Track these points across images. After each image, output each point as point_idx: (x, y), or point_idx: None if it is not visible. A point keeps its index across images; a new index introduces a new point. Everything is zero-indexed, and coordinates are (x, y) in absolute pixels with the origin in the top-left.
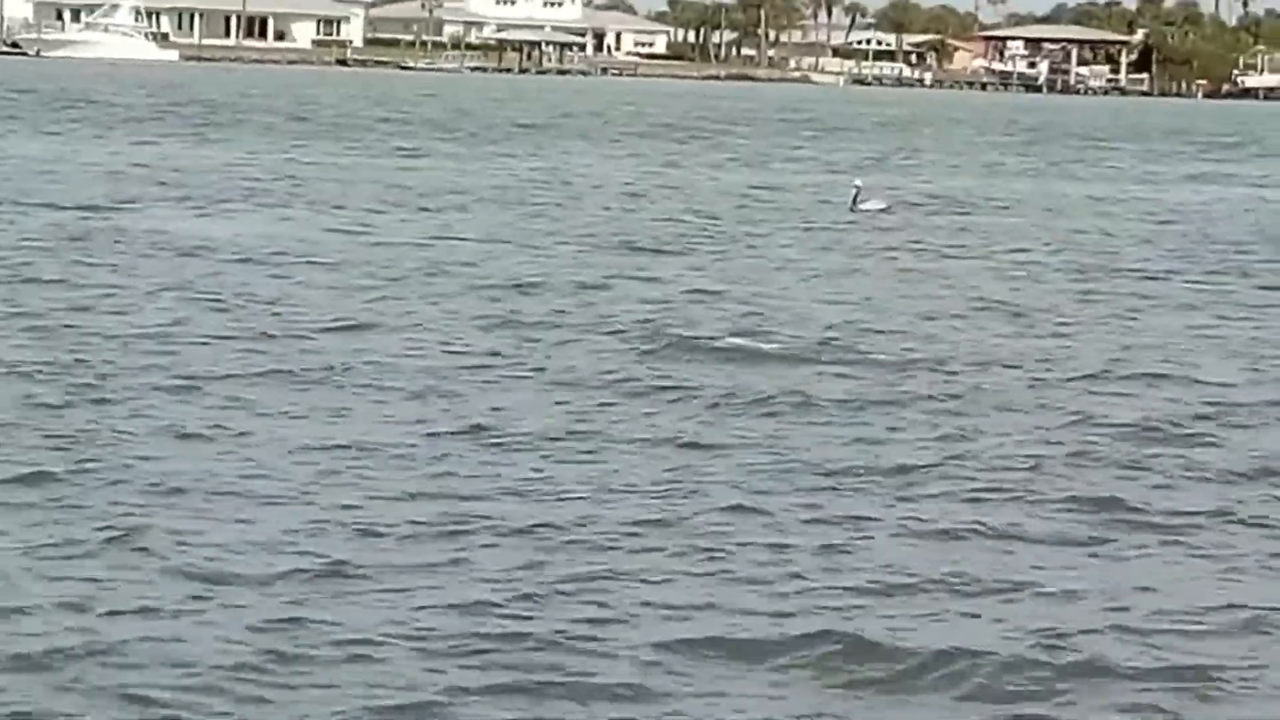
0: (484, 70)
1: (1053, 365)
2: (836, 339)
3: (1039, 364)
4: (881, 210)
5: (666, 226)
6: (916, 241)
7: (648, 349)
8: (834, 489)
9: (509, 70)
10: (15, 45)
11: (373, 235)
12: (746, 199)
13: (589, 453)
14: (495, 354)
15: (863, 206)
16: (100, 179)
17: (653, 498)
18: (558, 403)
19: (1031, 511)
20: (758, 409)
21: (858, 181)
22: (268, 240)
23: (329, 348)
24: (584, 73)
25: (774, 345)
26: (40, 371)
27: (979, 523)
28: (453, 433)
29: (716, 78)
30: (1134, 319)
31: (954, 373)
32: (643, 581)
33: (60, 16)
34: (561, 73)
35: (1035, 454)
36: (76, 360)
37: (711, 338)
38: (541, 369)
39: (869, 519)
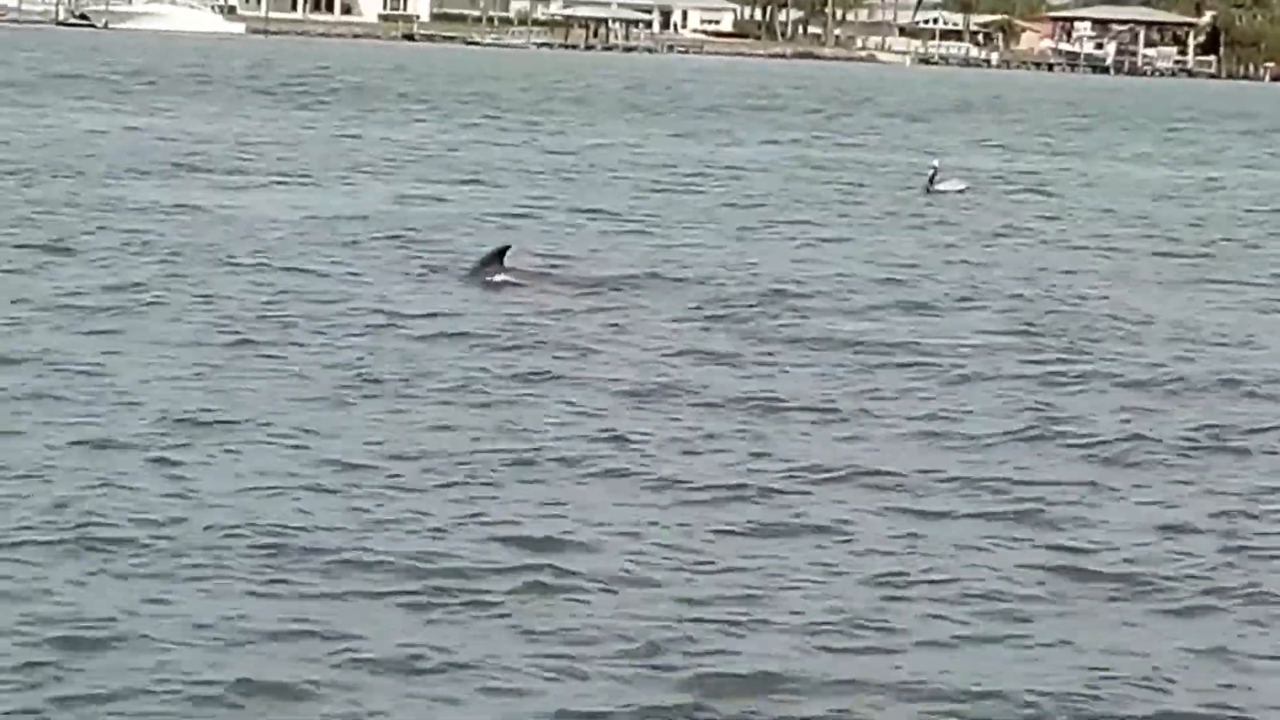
0: (550, 46)
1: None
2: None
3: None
4: (959, 191)
5: None
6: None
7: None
8: None
9: (575, 46)
10: (84, 17)
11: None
12: None
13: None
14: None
15: (939, 187)
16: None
17: None
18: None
19: None
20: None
21: (934, 161)
22: None
23: None
24: (650, 50)
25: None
26: None
27: None
28: None
29: (783, 56)
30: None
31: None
32: None
33: None
34: (628, 49)
35: None
36: None
37: None
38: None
39: None
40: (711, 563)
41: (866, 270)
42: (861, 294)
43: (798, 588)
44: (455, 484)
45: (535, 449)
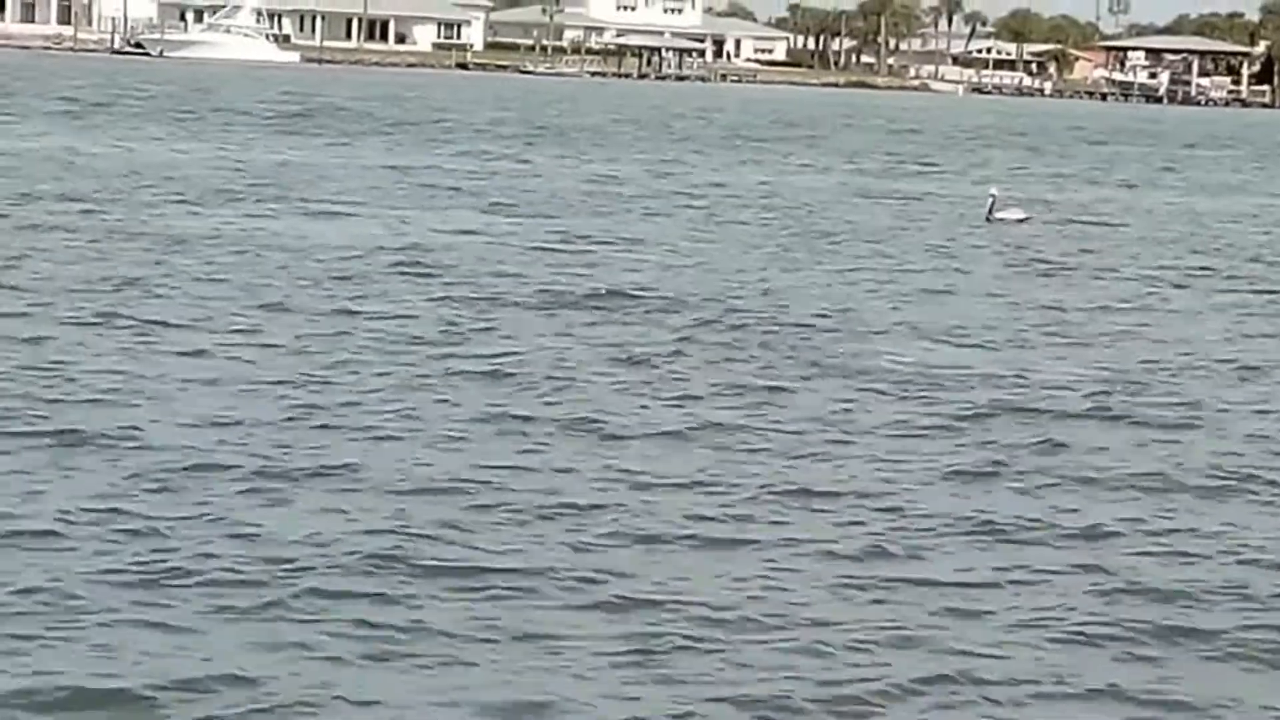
0: (603, 75)
1: None
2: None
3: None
4: (1019, 220)
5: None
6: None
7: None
8: None
9: (628, 75)
10: (139, 45)
11: None
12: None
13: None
14: None
15: (999, 216)
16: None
17: None
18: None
19: None
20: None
21: (993, 190)
22: None
23: None
24: (703, 79)
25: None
26: None
27: None
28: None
29: (836, 85)
30: None
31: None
32: None
33: (183, 17)
34: (680, 78)
35: None
36: None
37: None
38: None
39: None
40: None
41: (928, 300)
42: (922, 324)
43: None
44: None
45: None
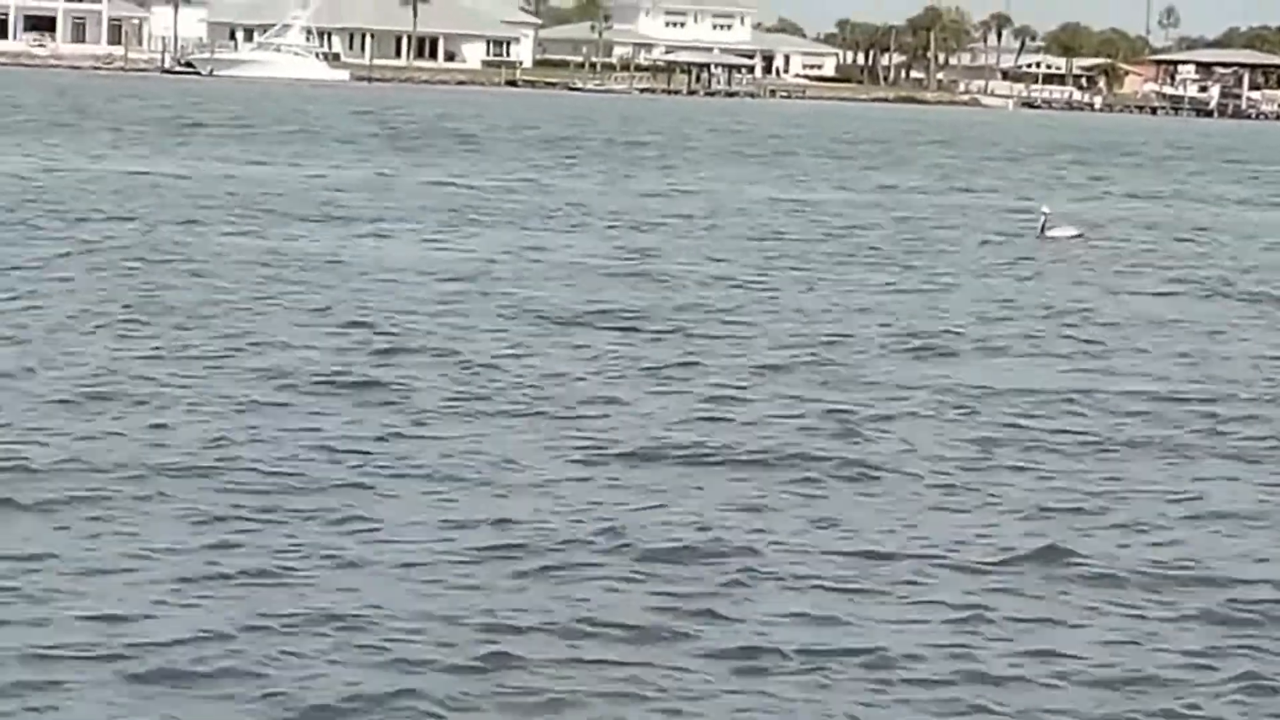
0: (652, 91)
1: None
2: None
3: None
4: (1072, 237)
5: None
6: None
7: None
8: None
9: (678, 92)
10: (189, 65)
11: None
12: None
13: None
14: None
15: (1051, 233)
16: None
17: None
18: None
19: None
20: None
21: (1045, 208)
22: None
23: None
24: (752, 95)
25: None
26: None
27: None
28: None
29: (885, 100)
30: None
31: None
32: None
33: (233, 36)
34: (730, 94)
35: None
36: None
37: None
38: None
39: None
40: None
41: (984, 318)
42: (978, 342)
43: None
44: None
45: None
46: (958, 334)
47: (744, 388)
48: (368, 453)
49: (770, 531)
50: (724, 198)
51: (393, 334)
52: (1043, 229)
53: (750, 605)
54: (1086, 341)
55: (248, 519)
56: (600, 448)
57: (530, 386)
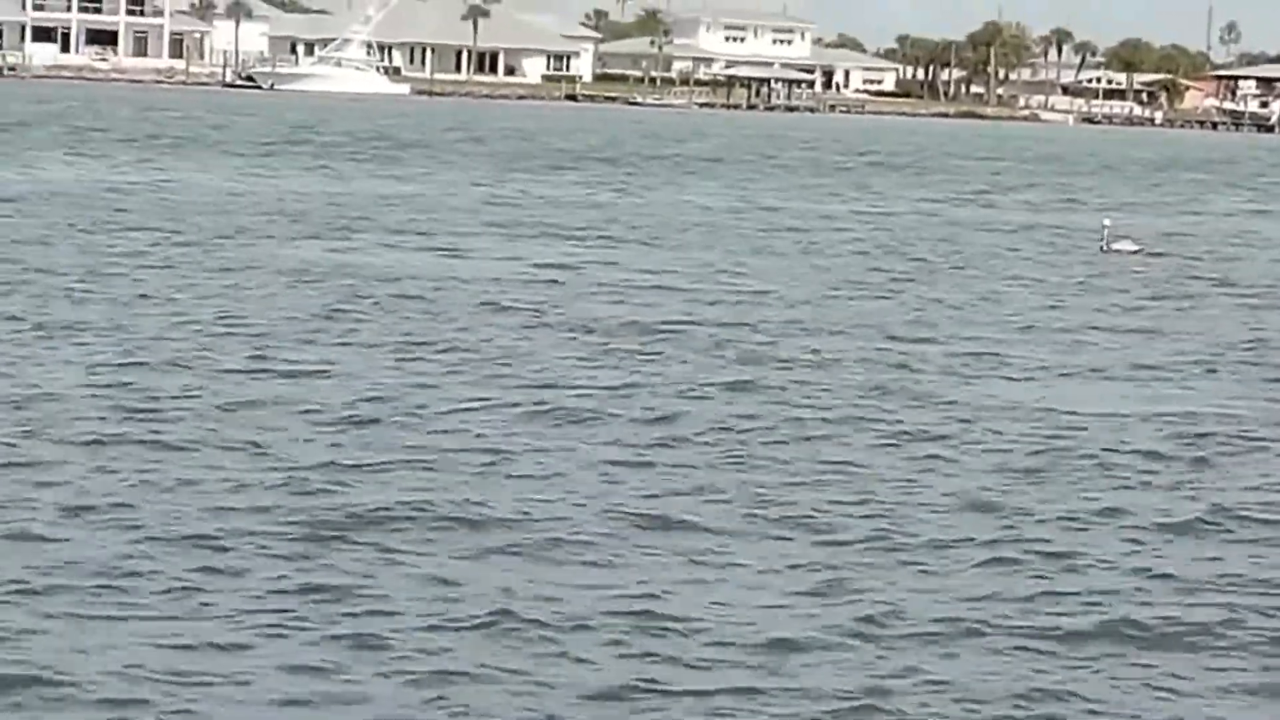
0: (712, 106)
1: None
2: None
3: None
4: (1133, 251)
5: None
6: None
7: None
8: None
9: (737, 106)
10: (250, 79)
11: None
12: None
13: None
14: None
15: (1114, 247)
16: None
17: None
18: None
19: None
20: None
21: (1106, 220)
22: None
23: None
24: (812, 109)
25: None
26: None
27: None
28: None
29: (945, 115)
30: None
31: None
32: None
33: (294, 50)
34: (790, 109)
35: None
36: None
37: None
38: None
39: None
40: None
41: (1047, 335)
42: (1037, 359)
43: None
44: None
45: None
46: (1007, 346)
47: None
48: None
49: None
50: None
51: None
52: (1105, 241)
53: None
54: (1143, 354)
55: None
56: None
57: None
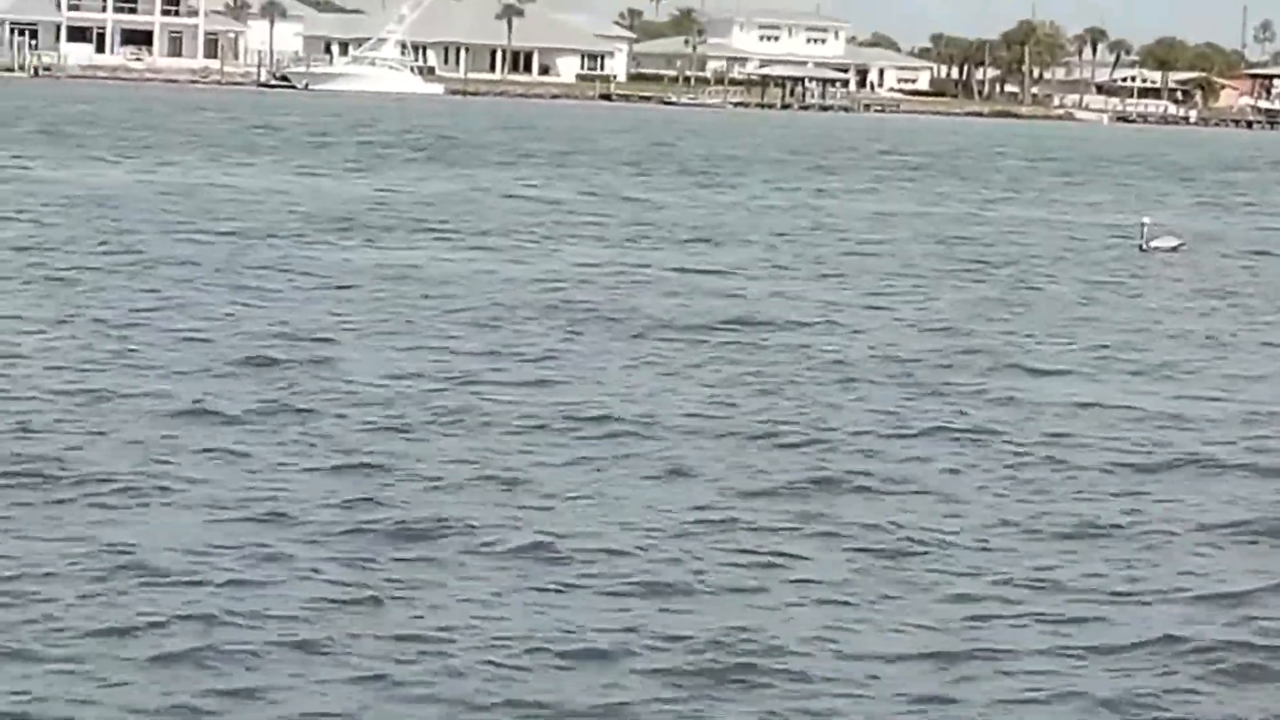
0: (746, 105)
1: None
2: None
3: None
4: (1173, 248)
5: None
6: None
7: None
8: None
9: (771, 106)
10: (285, 79)
11: None
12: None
13: None
14: None
15: (1153, 244)
16: None
17: None
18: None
19: None
20: None
21: (1145, 219)
22: None
23: None
24: (846, 109)
25: None
26: None
27: None
28: None
29: (980, 114)
30: None
31: None
32: None
33: (328, 50)
34: (824, 109)
35: None
36: None
37: None
38: None
39: None
40: None
41: (1085, 332)
42: (1076, 357)
43: None
44: None
45: None
46: (1046, 344)
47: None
48: None
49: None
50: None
51: None
52: (1144, 239)
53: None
54: (1182, 353)
55: None
56: None
57: None
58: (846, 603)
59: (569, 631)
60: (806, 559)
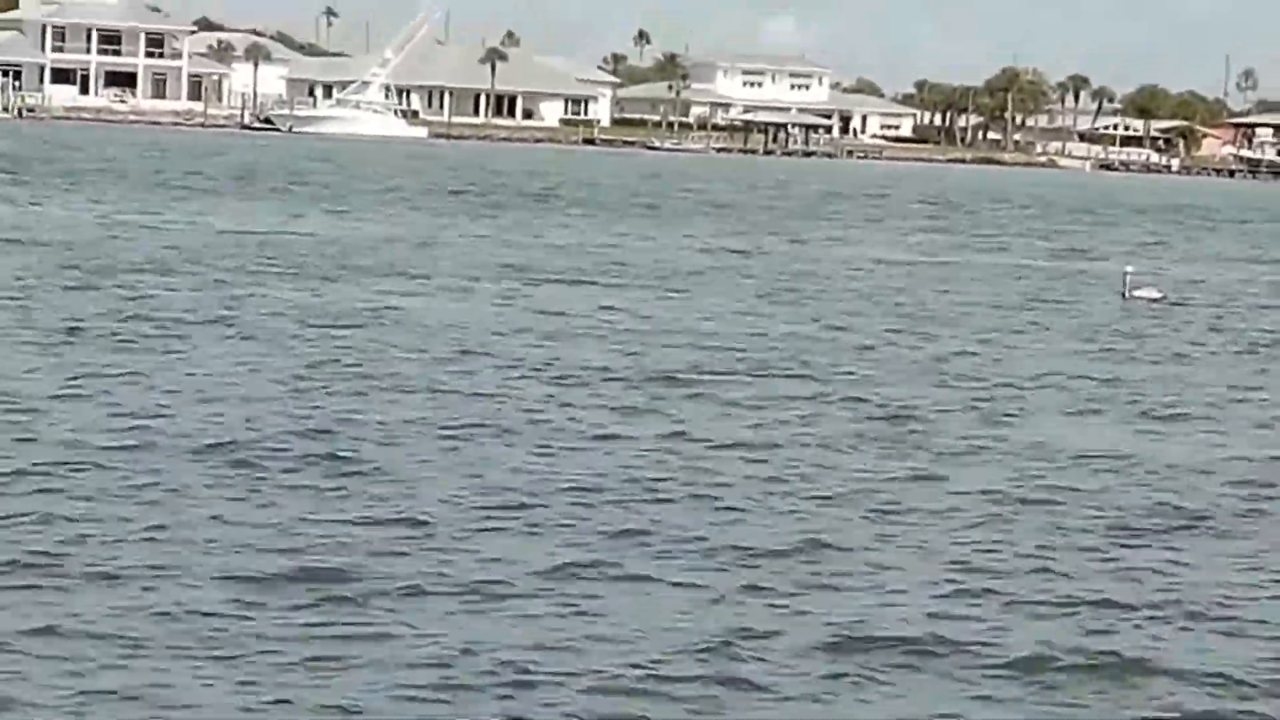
0: (729, 151)
1: None
2: None
3: None
4: (1155, 299)
5: None
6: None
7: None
8: None
9: (754, 151)
10: (268, 121)
11: None
12: None
13: None
14: None
15: (1136, 294)
16: None
17: None
18: None
19: None
20: None
21: (1129, 267)
22: None
23: None
24: (829, 155)
25: None
26: None
27: None
28: None
29: (962, 161)
30: None
31: None
32: None
33: (312, 93)
34: (807, 154)
35: None
36: None
37: None
38: None
39: None
40: None
41: (1070, 381)
42: (1066, 404)
43: None
44: None
45: None
46: (1033, 391)
47: None
48: None
49: None
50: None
51: None
52: (1126, 288)
53: None
54: (1157, 400)
55: None
56: None
57: None
58: None
59: None
60: None
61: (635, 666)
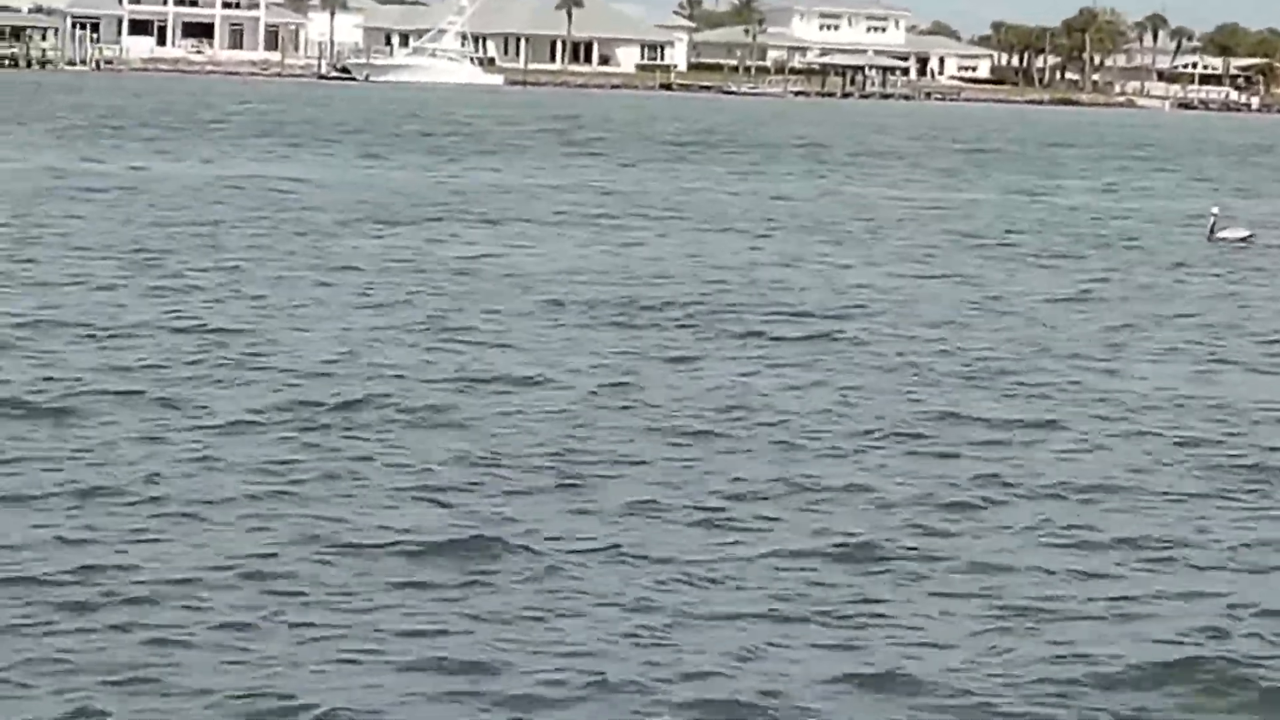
0: (806, 94)
1: None
2: None
3: None
4: (1243, 239)
5: None
6: None
7: None
8: None
9: (831, 94)
10: (345, 70)
11: None
12: None
13: None
14: None
15: (1221, 235)
16: None
17: None
18: None
19: None
20: None
21: (1214, 208)
22: None
23: None
24: (906, 97)
25: None
26: None
27: None
28: None
29: (1040, 102)
30: None
31: None
32: None
33: (388, 42)
34: (885, 97)
35: None
36: None
37: None
38: None
39: None
40: None
41: (1150, 327)
42: (1144, 351)
43: None
44: None
45: None
46: (1103, 336)
47: None
48: None
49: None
50: None
51: None
52: (1212, 230)
53: None
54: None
55: None
56: None
57: None
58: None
59: None
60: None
61: None
